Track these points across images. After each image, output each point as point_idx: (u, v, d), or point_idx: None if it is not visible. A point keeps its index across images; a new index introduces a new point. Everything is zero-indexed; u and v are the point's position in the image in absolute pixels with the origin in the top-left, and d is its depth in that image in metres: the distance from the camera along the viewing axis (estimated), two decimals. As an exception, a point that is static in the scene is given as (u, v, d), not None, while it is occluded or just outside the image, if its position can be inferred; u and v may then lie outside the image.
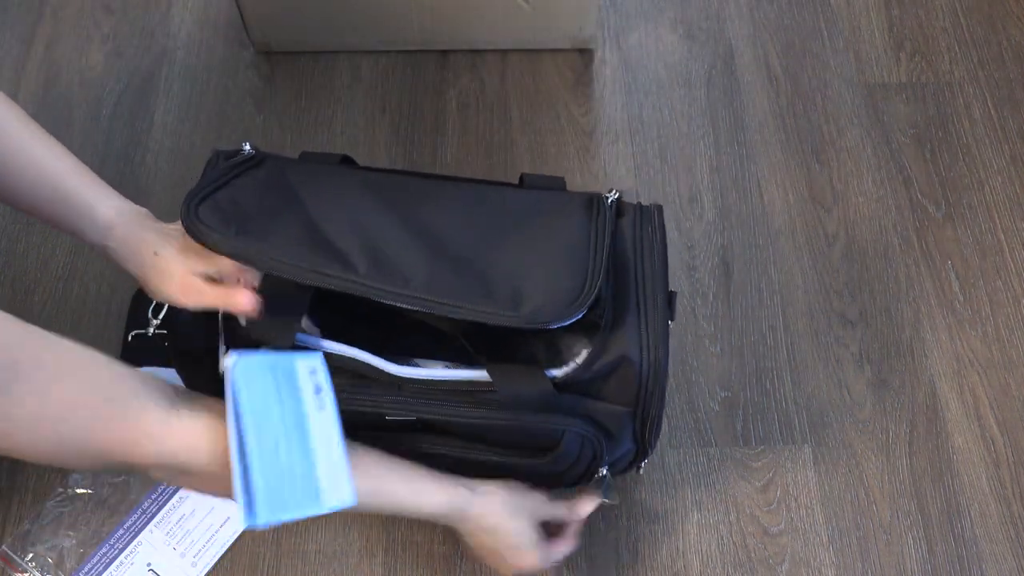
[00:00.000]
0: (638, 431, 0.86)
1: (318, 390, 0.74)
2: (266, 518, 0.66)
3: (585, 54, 1.34)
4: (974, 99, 1.30)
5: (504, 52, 1.33)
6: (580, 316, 0.78)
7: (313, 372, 0.75)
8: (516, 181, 0.95)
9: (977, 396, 1.10)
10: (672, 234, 1.19)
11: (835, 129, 1.28)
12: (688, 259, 1.18)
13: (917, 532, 1.02)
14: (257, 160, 0.87)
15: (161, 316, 0.85)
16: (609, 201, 0.87)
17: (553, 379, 0.80)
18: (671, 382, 1.09)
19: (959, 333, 1.13)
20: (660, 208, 0.88)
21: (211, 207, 0.80)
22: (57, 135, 1.25)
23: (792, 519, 1.03)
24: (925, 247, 1.19)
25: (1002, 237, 1.20)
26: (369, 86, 1.31)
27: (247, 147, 0.88)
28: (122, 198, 0.86)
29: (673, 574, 1.00)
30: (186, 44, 1.34)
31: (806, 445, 1.07)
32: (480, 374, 0.80)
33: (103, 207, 0.84)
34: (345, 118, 1.28)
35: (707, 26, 1.36)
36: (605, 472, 0.90)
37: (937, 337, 1.13)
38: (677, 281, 1.16)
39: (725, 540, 1.01)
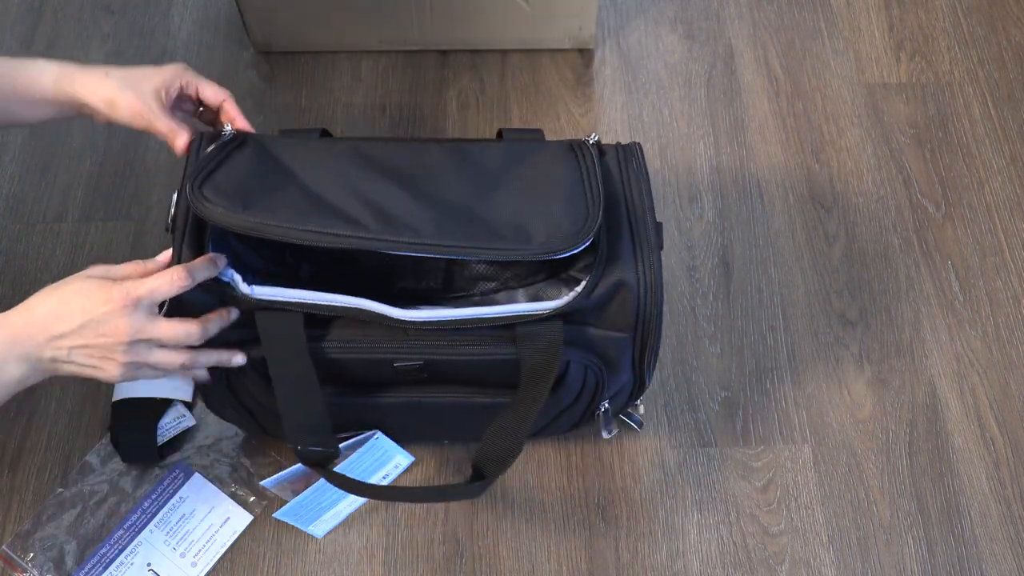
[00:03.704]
0: (636, 358, 0.90)
1: (385, 476, 1.02)
2: (281, 517, 0.97)
3: (585, 54, 1.34)
4: (974, 99, 1.30)
5: (504, 52, 1.33)
6: (588, 243, 0.83)
7: (397, 466, 1.02)
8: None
9: (977, 396, 1.10)
10: (672, 234, 1.19)
11: (835, 129, 1.28)
12: (688, 259, 1.18)
13: (917, 532, 1.02)
14: (240, 140, 0.88)
15: (162, 313, 0.85)
16: (591, 143, 0.91)
17: (555, 309, 0.83)
18: (671, 380, 1.09)
19: (959, 333, 1.13)
20: (640, 145, 0.92)
21: (212, 187, 0.83)
22: (57, 135, 1.26)
23: (792, 519, 1.03)
24: (925, 247, 1.19)
25: (1002, 237, 1.20)
26: (369, 86, 1.31)
27: (228, 128, 0.89)
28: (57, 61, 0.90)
29: (673, 574, 1.00)
30: (186, 44, 1.34)
31: (806, 445, 1.07)
32: (483, 311, 0.84)
33: (45, 72, 0.89)
34: (345, 118, 1.28)
35: (707, 26, 1.36)
36: (606, 407, 0.94)
37: (937, 337, 1.13)
38: (677, 281, 1.16)
39: (725, 540, 1.01)
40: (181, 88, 0.91)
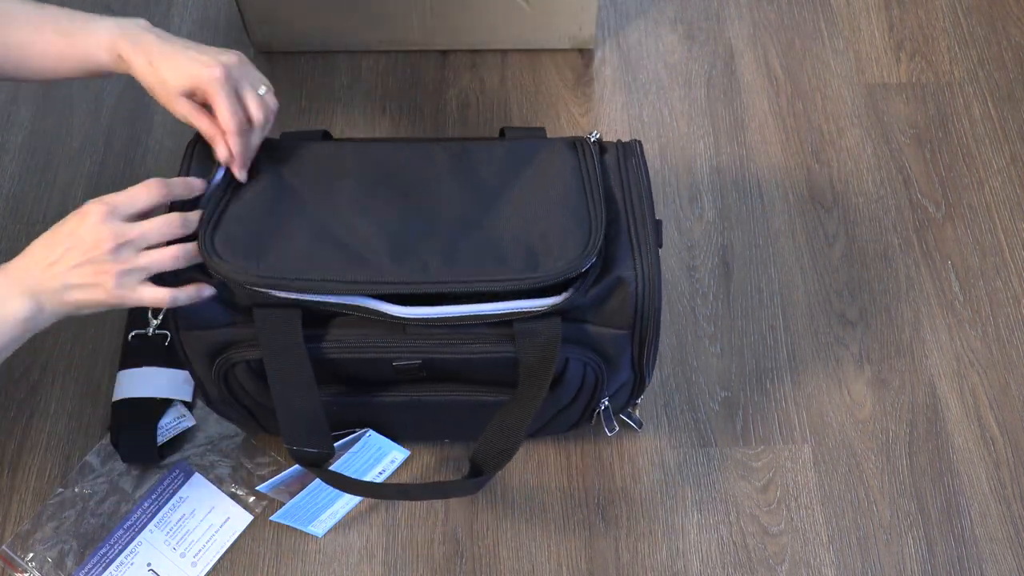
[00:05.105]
0: (636, 356, 0.90)
1: (381, 472, 1.02)
2: (278, 520, 0.97)
3: (585, 54, 1.34)
4: (974, 99, 1.30)
5: (504, 52, 1.33)
6: (593, 262, 0.83)
7: (393, 461, 1.02)
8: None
9: (977, 396, 1.10)
10: (672, 234, 1.19)
11: (835, 129, 1.28)
12: (688, 259, 1.18)
13: (917, 532, 1.02)
14: None
15: (161, 316, 0.85)
16: (592, 141, 0.91)
17: (553, 305, 0.83)
18: (671, 380, 1.10)
19: (959, 333, 1.13)
20: (640, 143, 0.93)
21: (224, 238, 0.82)
22: (57, 135, 1.26)
23: (792, 519, 1.03)
24: (925, 247, 1.19)
25: (1002, 237, 1.20)
26: (369, 86, 1.31)
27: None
28: (117, 19, 0.88)
29: (673, 574, 1.00)
30: (186, 44, 1.34)
31: (806, 445, 1.07)
32: (481, 308, 0.84)
33: (102, 30, 0.86)
34: (345, 118, 1.29)
35: (707, 26, 1.36)
36: (606, 404, 0.95)
37: (937, 337, 1.13)
38: (677, 281, 1.16)
39: (725, 540, 1.01)
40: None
